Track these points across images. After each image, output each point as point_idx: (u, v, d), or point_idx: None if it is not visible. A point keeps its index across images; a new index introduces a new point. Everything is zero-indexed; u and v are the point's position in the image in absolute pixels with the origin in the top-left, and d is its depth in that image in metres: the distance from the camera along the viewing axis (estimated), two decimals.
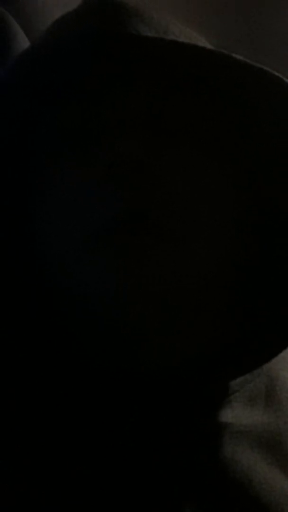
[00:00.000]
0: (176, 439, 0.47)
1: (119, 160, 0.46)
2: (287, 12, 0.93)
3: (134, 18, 0.49)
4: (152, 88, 0.49)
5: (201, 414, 0.49)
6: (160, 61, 0.48)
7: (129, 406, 0.48)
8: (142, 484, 0.46)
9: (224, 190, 0.50)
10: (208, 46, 0.52)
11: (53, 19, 0.54)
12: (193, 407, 0.49)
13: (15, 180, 0.52)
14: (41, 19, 0.91)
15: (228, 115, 0.52)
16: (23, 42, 0.91)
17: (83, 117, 0.49)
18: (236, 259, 0.51)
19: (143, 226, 0.46)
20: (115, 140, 0.47)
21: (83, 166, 0.48)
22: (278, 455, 0.49)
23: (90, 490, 0.45)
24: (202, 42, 0.53)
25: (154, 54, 0.48)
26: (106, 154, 0.47)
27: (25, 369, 0.50)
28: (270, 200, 0.53)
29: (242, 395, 0.51)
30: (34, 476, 0.45)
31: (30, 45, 0.58)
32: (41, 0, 0.91)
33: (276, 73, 0.48)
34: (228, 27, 0.92)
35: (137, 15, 0.50)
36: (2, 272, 0.52)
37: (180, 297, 0.48)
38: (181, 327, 0.49)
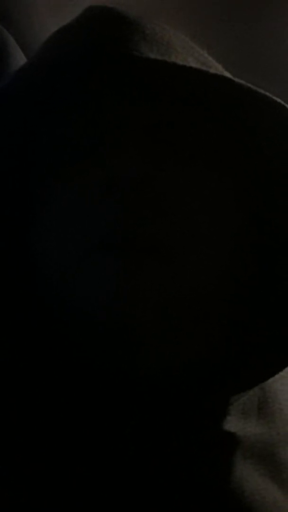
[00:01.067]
0: (171, 448, 0.48)
1: (119, 172, 0.47)
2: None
3: (136, 34, 0.49)
4: (152, 104, 0.49)
5: (196, 424, 0.49)
6: (161, 82, 0.49)
7: (128, 411, 0.48)
8: (136, 490, 0.46)
9: (224, 205, 0.50)
10: (209, 62, 0.52)
11: (49, 33, 0.55)
12: (189, 417, 0.49)
13: (16, 190, 0.53)
14: (37, 34, 0.92)
15: (229, 133, 0.52)
16: (19, 57, 0.91)
17: (83, 130, 0.49)
18: (236, 276, 0.52)
19: (142, 238, 0.46)
20: (115, 153, 0.47)
21: (83, 178, 0.48)
22: (271, 466, 0.50)
23: (89, 497, 0.45)
24: (204, 57, 0.53)
25: (155, 76, 0.48)
26: (106, 166, 0.47)
27: (25, 374, 0.50)
28: (269, 220, 0.53)
29: (236, 407, 0.51)
30: (34, 482, 0.46)
31: (30, 58, 0.58)
32: (36, 15, 0.92)
33: (276, 98, 0.49)
34: (227, 34, 0.93)
35: (139, 30, 0.49)
36: (2, 279, 0.52)
37: (180, 307, 0.48)
38: (180, 337, 0.49)
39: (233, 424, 0.50)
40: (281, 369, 0.51)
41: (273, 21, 0.93)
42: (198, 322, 0.50)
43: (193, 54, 0.51)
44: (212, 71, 0.50)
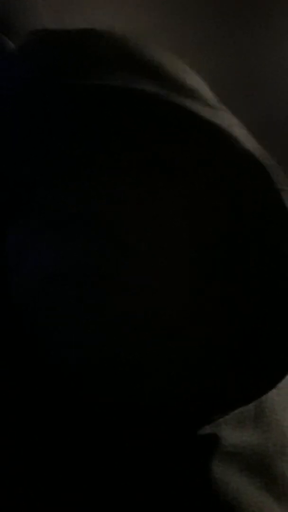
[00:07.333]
0: (166, 460, 0.48)
1: (98, 210, 0.46)
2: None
3: (73, 59, 0.48)
4: (136, 138, 0.47)
5: (191, 436, 0.49)
6: (91, 105, 0.47)
7: (125, 419, 0.48)
8: (130, 497, 0.46)
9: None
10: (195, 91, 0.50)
11: None
12: (184, 429, 0.49)
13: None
14: None
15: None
16: None
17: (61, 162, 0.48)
18: (226, 296, 0.50)
19: (111, 273, 0.46)
20: (96, 191, 0.47)
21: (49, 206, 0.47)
22: (267, 478, 0.49)
23: (86, 504, 0.46)
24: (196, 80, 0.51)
25: (89, 101, 0.46)
26: (86, 205, 0.47)
27: (22, 384, 0.50)
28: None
29: (232, 418, 0.51)
30: (31, 500, 0.46)
31: None
32: (38, 25, 0.92)
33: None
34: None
35: (77, 54, 0.48)
36: None
37: (167, 332, 0.47)
38: (176, 362, 0.48)
39: (229, 434, 0.50)
40: (278, 381, 0.50)
41: (273, 31, 0.93)
42: (194, 347, 0.49)
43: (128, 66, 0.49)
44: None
